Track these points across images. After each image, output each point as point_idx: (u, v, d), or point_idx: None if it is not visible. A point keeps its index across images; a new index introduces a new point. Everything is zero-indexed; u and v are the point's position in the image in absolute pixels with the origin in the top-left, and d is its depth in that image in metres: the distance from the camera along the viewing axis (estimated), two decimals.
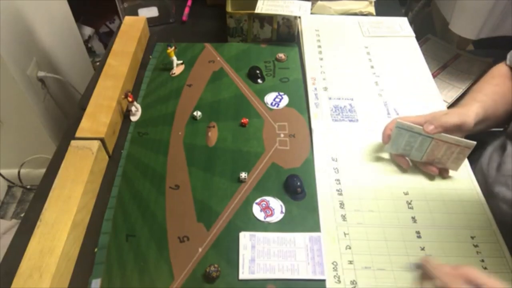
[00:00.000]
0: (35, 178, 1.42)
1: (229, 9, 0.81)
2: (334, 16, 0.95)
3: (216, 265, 0.50)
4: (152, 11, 0.94)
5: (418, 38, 0.88)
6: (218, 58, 0.82)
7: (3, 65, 1.04)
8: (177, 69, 0.79)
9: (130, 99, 0.68)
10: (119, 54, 0.76)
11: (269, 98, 0.74)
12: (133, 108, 0.71)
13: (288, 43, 0.85)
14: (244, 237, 0.54)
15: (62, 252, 0.48)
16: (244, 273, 0.50)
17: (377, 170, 0.63)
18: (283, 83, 0.77)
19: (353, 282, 0.50)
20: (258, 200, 0.58)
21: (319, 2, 0.95)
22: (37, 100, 1.21)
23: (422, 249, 0.53)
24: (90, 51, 1.75)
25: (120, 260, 0.52)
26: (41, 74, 1.20)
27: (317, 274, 0.50)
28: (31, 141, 1.29)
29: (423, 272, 0.43)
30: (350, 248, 0.53)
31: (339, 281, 0.50)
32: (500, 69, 0.67)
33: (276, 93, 0.74)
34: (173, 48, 0.77)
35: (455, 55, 1.08)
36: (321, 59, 0.82)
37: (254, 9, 0.79)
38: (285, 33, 0.84)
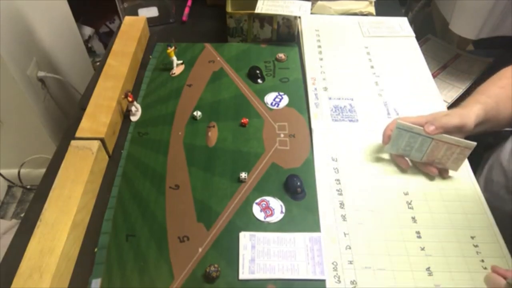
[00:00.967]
0: (35, 178, 1.42)
1: (229, 9, 0.81)
2: (334, 16, 0.95)
3: (216, 265, 0.50)
4: (152, 11, 0.94)
5: (418, 38, 0.88)
6: (218, 58, 0.82)
7: (3, 65, 1.04)
8: (177, 69, 0.79)
9: (130, 99, 0.68)
10: (119, 54, 0.76)
11: (269, 98, 0.74)
12: (133, 108, 0.71)
13: (288, 43, 0.85)
14: (244, 237, 0.54)
15: (62, 252, 0.48)
16: (244, 273, 0.50)
17: (377, 170, 0.63)
18: (283, 83, 0.77)
19: (353, 282, 0.50)
20: (258, 200, 0.58)
21: (319, 2, 0.95)
22: (37, 100, 1.21)
23: (422, 249, 0.53)
24: (90, 51, 1.75)
25: (120, 260, 0.52)
26: (41, 74, 1.20)
27: (317, 274, 0.50)
28: (31, 141, 1.29)
29: None
30: (350, 248, 0.53)
31: (339, 281, 0.50)
32: (509, 71, 0.66)
33: (276, 93, 0.74)
34: (173, 48, 0.77)
35: (455, 55, 1.08)
36: (321, 59, 0.82)
37: (254, 9, 0.79)
38: (285, 33, 0.84)
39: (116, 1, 0.89)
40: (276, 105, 0.73)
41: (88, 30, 1.75)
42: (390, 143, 0.61)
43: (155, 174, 0.62)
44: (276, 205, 0.58)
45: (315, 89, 0.76)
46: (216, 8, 0.96)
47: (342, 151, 0.65)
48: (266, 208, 0.57)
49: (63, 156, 0.58)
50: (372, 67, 0.81)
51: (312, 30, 0.90)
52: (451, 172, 0.62)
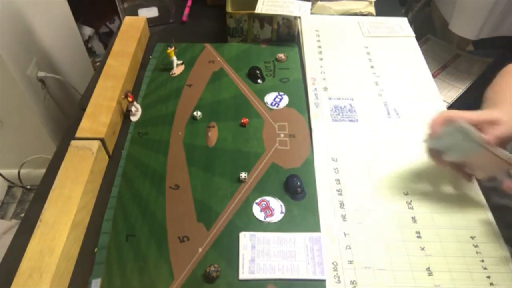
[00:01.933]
0: (35, 178, 1.42)
1: (229, 9, 0.81)
2: (334, 16, 0.95)
3: (216, 265, 0.50)
4: (152, 11, 0.94)
5: (418, 38, 0.88)
6: (218, 58, 0.82)
7: (3, 65, 1.04)
8: (177, 69, 0.79)
9: (130, 99, 0.68)
10: (119, 54, 0.76)
11: (269, 98, 0.74)
12: (133, 108, 0.71)
13: (288, 43, 0.85)
14: (244, 237, 0.54)
15: (62, 252, 0.48)
16: (244, 273, 0.50)
17: (377, 170, 0.62)
18: (283, 83, 0.77)
19: (353, 282, 0.50)
20: (258, 200, 0.58)
21: (319, 2, 0.95)
22: (37, 100, 1.21)
23: (422, 249, 0.53)
24: (90, 51, 1.75)
25: (120, 260, 0.52)
26: (41, 74, 1.20)
27: (317, 274, 0.50)
28: (31, 141, 1.29)
29: None
30: (350, 248, 0.53)
31: (339, 281, 0.50)
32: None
33: (276, 93, 0.74)
34: (173, 48, 0.77)
35: (455, 55, 1.08)
36: (321, 59, 0.82)
37: (254, 9, 0.79)
38: (285, 33, 0.84)
39: (116, 1, 0.89)
40: (276, 105, 0.73)
41: (88, 30, 1.75)
42: (434, 138, 0.55)
43: (155, 174, 0.62)
44: (276, 205, 0.58)
45: (315, 89, 0.76)
46: (216, 8, 0.96)
47: (342, 151, 0.65)
48: (266, 208, 0.57)
49: (63, 156, 0.58)
50: (372, 67, 0.81)
51: (312, 30, 0.90)
52: (450, 173, 0.62)
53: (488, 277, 0.50)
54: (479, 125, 0.52)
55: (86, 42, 1.71)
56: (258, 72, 0.78)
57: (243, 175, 0.60)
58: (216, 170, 0.62)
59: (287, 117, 0.71)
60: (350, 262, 0.52)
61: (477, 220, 0.56)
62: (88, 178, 0.56)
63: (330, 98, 0.74)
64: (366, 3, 0.96)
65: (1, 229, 1.29)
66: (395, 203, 0.58)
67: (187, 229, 0.55)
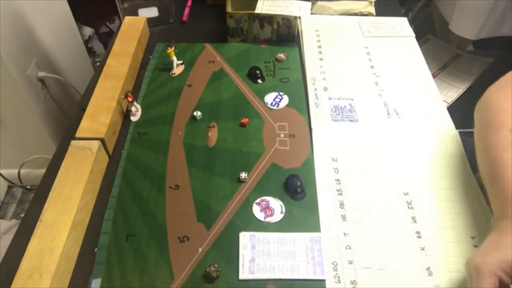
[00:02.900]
0: (35, 178, 1.42)
1: (229, 9, 0.81)
2: (334, 16, 0.95)
3: (216, 265, 0.50)
4: (152, 11, 0.94)
5: (418, 38, 0.88)
6: (218, 58, 0.82)
7: (3, 65, 1.04)
8: (177, 69, 0.79)
9: (130, 99, 0.68)
10: (119, 55, 0.76)
11: (269, 98, 0.74)
12: (133, 108, 0.71)
13: (288, 43, 0.85)
14: (244, 237, 0.54)
15: (62, 252, 0.48)
16: (244, 273, 0.50)
17: (377, 170, 0.62)
18: (283, 83, 0.77)
19: (353, 282, 0.50)
20: (258, 200, 0.58)
21: (319, 2, 0.95)
22: (37, 100, 1.21)
23: (422, 249, 0.53)
24: (90, 51, 1.75)
25: (120, 260, 0.52)
26: (41, 74, 1.20)
27: (317, 274, 0.50)
28: (31, 141, 1.29)
29: None
30: (350, 248, 0.53)
31: (339, 281, 0.50)
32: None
33: (276, 93, 0.74)
34: (173, 48, 0.77)
35: (455, 55, 1.08)
36: (321, 59, 0.82)
37: (254, 9, 0.79)
38: (285, 33, 0.84)
39: (116, 1, 0.89)
40: (276, 105, 0.73)
41: (88, 30, 1.75)
42: None
43: (155, 174, 0.62)
44: (276, 205, 0.58)
45: (315, 89, 0.76)
46: (216, 8, 0.96)
47: (342, 151, 0.65)
48: (266, 208, 0.57)
49: (63, 156, 0.58)
50: (372, 67, 0.81)
51: (312, 30, 0.90)
52: (451, 172, 0.62)
53: None
54: None
55: (86, 42, 1.71)
56: (258, 72, 0.78)
57: (243, 175, 0.60)
58: (216, 170, 0.62)
59: (287, 117, 0.71)
60: (350, 262, 0.52)
61: (477, 220, 0.56)
62: (88, 178, 0.56)
63: (330, 98, 0.74)
64: (366, 3, 0.96)
65: (1, 229, 1.29)
66: (395, 203, 0.58)
67: (187, 229, 0.55)
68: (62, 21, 1.40)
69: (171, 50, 0.76)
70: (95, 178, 0.59)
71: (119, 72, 0.72)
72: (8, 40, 1.05)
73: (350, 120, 0.70)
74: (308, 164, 0.63)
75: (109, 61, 0.74)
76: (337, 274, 0.51)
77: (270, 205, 0.58)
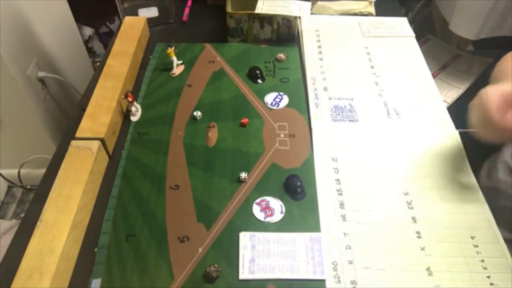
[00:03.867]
0: (35, 178, 1.42)
1: (229, 9, 0.81)
2: (334, 16, 0.95)
3: (216, 265, 0.50)
4: (152, 11, 0.94)
5: (418, 38, 0.88)
6: (218, 58, 0.82)
7: (3, 65, 1.05)
8: (177, 69, 0.79)
9: (130, 99, 0.68)
10: (119, 55, 0.75)
11: (269, 98, 0.74)
12: (133, 108, 0.71)
13: (288, 43, 0.85)
14: (244, 237, 0.54)
15: (62, 252, 0.48)
16: (244, 273, 0.50)
17: (377, 170, 0.63)
18: (283, 83, 0.77)
19: (353, 282, 0.50)
20: (258, 200, 0.58)
21: (319, 2, 0.95)
22: (37, 100, 1.21)
23: (422, 249, 0.53)
24: (90, 51, 1.75)
25: (120, 260, 0.52)
26: (41, 74, 1.20)
27: (317, 274, 0.50)
28: (31, 141, 1.29)
29: None
30: (350, 248, 0.53)
31: (339, 281, 0.50)
32: None
33: (276, 93, 0.74)
34: (173, 48, 0.77)
35: (455, 55, 1.08)
36: (321, 59, 0.82)
37: (254, 9, 0.79)
38: (285, 33, 0.84)
39: (116, 1, 0.89)
40: (276, 105, 0.73)
41: (88, 30, 1.74)
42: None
43: (155, 174, 0.62)
44: (276, 205, 0.58)
45: (315, 89, 0.76)
46: (216, 8, 0.96)
47: (342, 151, 0.65)
48: (266, 208, 0.57)
49: (63, 156, 0.58)
50: (372, 67, 0.81)
51: (312, 30, 0.90)
52: (450, 172, 0.62)
53: (488, 277, 0.50)
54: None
55: (86, 42, 1.71)
56: (258, 72, 0.78)
57: (243, 175, 0.60)
58: (216, 170, 0.62)
59: (287, 117, 0.71)
60: (350, 262, 0.52)
61: (477, 220, 0.56)
62: (88, 178, 0.56)
63: (330, 98, 0.74)
64: (366, 3, 0.96)
65: (1, 229, 1.29)
66: (395, 203, 0.58)
67: (187, 229, 0.55)
68: (62, 21, 1.40)
69: (171, 50, 0.76)
70: (95, 178, 0.59)
71: (119, 72, 0.72)
72: (8, 40, 1.05)
73: (350, 120, 0.70)
74: (308, 164, 0.63)
75: (109, 61, 0.74)
76: (337, 274, 0.51)
77: (270, 205, 0.58)
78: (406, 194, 0.59)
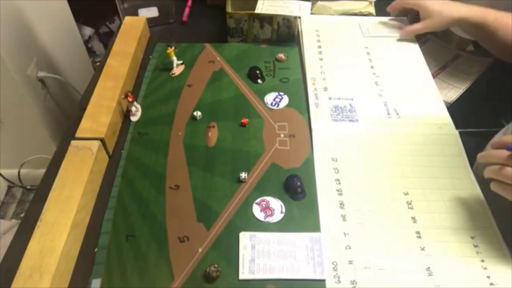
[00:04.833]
0: (35, 178, 1.42)
1: (229, 9, 0.81)
2: (334, 16, 0.95)
3: (216, 265, 0.50)
4: (152, 11, 0.94)
5: (418, 38, 0.88)
6: (218, 58, 0.82)
7: (3, 65, 1.05)
8: (177, 69, 0.79)
9: (130, 99, 0.68)
10: (119, 55, 0.76)
11: (269, 98, 0.74)
12: (133, 108, 0.71)
13: (288, 43, 0.85)
14: (244, 237, 0.54)
15: (62, 252, 0.48)
16: (244, 273, 0.50)
17: (377, 170, 0.63)
18: (283, 83, 0.77)
19: (353, 282, 0.50)
20: (258, 200, 0.58)
21: (319, 2, 0.95)
22: (37, 100, 1.21)
23: (422, 249, 0.53)
24: (90, 51, 1.75)
25: (120, 260, 0.52)
26: (41, 74, 1.20)
27: (317, 274, 0.50)
28: (31, 141, 1.29)
29: None
30: (350, 248, 0.53)
31: (339, 281, 0.50)
32: None
33: (276, 93, 0.74)
34: (173, 48, 0.77)
35: (455, 55, 1.07)
36: (321, 59, 0.82)
37: (254, 9, 0.79)
38: (285, 33, 0.84)
39: (116, 1, 0.89)
40: (276, 105, 0.73)
41: (88, 30, 1.74)
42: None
43: (155, 174, 0.62)
44: (276, 205, 0.58)
45: (315, 89, 0.76)
46: (216, 8, 0.96)
47: (342, 151, 0.65)
48: (266, 208, 0.57)
49: (63, 156, 0.58)
50: (372, 67, 0.81)
51: (312, 30, 0.90)
52: (450, 172, 0.62)
53: (488, 277, 0.50)
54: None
55: (86, 42, 1.71)
56: (258, 72, 0.78)
57: (243, 175, 0.60)
58: (216, 170, 0.62)
59: (287, 117, 0.71)
60: (350, 262, 0.52)
61: (477, 220, 0.56)
62: (88, 178, 0.56)
63: (330, 98, 0.74)
64: (366, 3, 0.96)
65: (1, 229, 1.29)
66: (395, 203, 0.58)
67: (187, 229, 0.55)
68: (62, 21, 1.40)
69: (171, 50, 0.76)
70: (95, 178, 0.59)
71: (119, 72, 0.72)
72: (8, 40, 1.05)
73: (350, 120, 0.70)
74: (308, 164, 0.63)
75: (109, 61, 0.74)
76: (337, 274, 0.51)
77: (270, 205, 0.58)
78: (406, 194, 0.59)
